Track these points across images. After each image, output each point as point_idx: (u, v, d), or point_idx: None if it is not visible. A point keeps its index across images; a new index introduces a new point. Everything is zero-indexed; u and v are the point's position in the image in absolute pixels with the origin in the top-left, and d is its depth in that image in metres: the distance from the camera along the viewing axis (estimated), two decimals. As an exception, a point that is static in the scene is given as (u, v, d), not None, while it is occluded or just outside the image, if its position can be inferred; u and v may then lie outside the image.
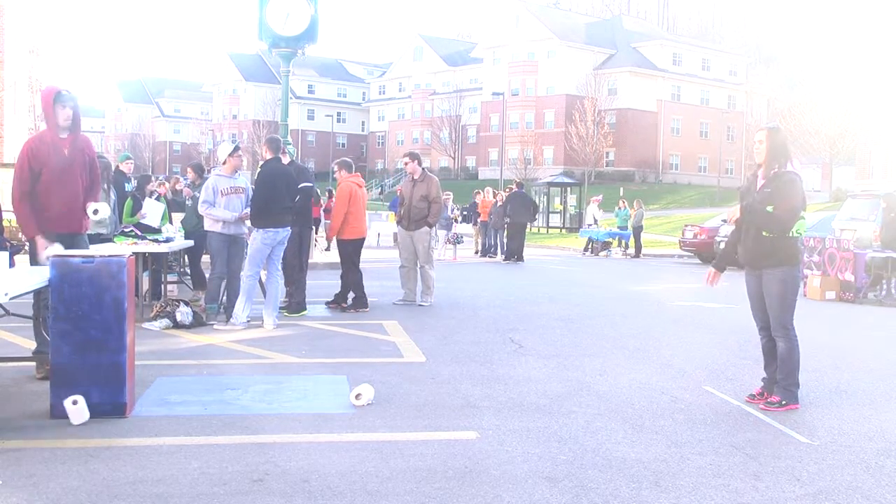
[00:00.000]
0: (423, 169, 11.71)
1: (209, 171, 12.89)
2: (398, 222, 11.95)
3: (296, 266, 10.31)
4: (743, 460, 4.80)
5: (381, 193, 75.06)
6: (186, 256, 12.13)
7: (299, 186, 9.97)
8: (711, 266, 6.51)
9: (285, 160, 10.27)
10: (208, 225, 9.49)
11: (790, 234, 6.00)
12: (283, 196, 9.38)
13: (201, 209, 9.45)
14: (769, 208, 5.95)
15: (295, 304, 10.26)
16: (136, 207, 10.92)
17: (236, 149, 9.68)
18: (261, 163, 9.76)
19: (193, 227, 11.44)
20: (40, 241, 6.30)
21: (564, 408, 5.91)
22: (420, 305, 11.48)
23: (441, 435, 5.17)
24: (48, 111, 6.36)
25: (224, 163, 9.54)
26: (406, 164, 11.75)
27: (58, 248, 5.98)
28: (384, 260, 19.45)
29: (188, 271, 12.47)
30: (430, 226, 11.63)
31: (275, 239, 9.28)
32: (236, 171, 9.66)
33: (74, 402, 5.11)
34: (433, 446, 4.90)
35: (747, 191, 6.28)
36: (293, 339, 8.59)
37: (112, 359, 5.26)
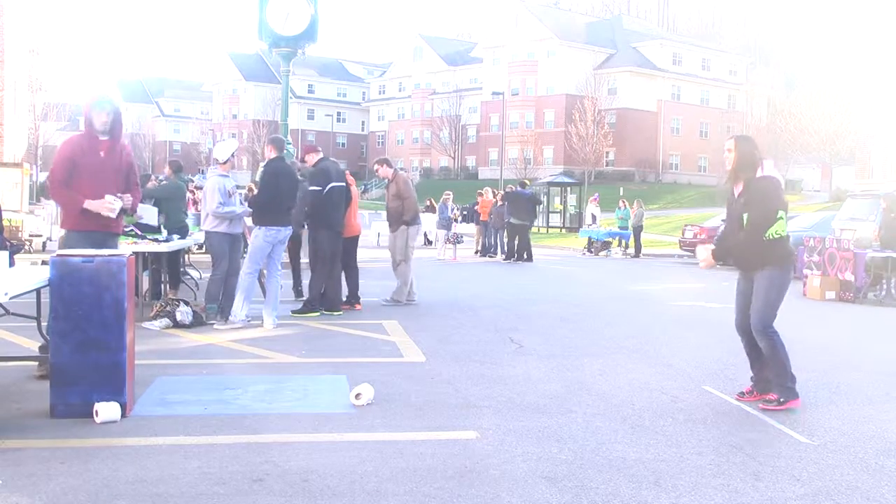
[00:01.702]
0: (393, 170, 11.78)
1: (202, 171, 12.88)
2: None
3: (315, 268, 10.35)
4: (743, 460, 4.80)
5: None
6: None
7: (334, 185, 10.21)
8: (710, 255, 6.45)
9: (316, 159, 10.40)
10: (210, 225, 9.41)
11: (769, 237, 6.00)
12: (286, 195, 9.41)
13: (217, 210, 9.24)
14: (744, 217, 6.02)
15: (307, 303, 10.28)
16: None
17: (235, 147, 9.72)
18: (262, 162, 9.79)
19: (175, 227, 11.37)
20: (94, 204, 6.48)
21: (564, 408, 5.92)
22: (406, 303, 11.46)
23: (441, 435, 5.17)
24: (86, 114, 6.57)
25: (225, 162, 9.52)
26: (377, 170, 11.86)
27: (112, 200, 6.43)
28: (385, 260, 19.43)
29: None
30: (407, 224, 11.60)
31: (276, 237, 9.29)
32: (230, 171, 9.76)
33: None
34: (433, 446, 4.90)
35: (727, 196, 6.41)
36: (293, 338, 8.59)
37: (112, 358, 5.26)
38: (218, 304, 9.58)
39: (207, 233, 9.54)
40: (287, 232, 9.45)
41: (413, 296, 11.71)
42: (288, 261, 12.11)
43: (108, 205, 6.49)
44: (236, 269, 9.58)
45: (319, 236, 10.39)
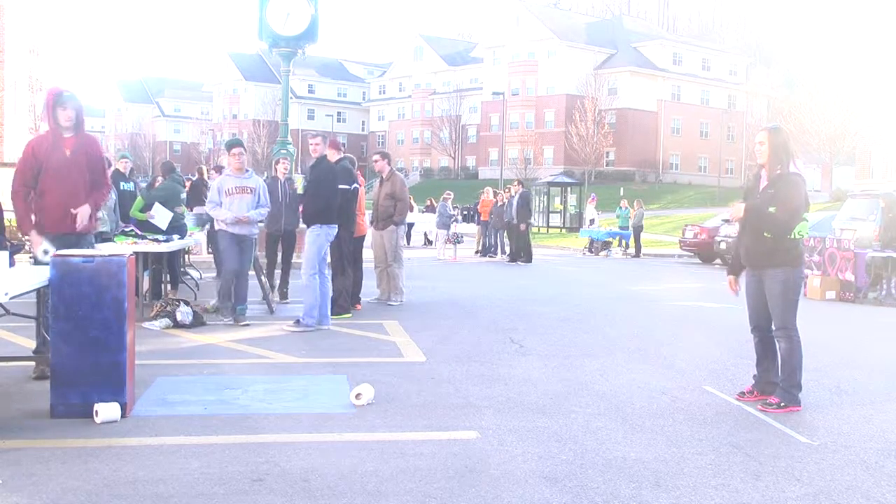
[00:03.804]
0: (391, 168, 11.76)
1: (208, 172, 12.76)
2: (371, 223, 11.96)
3: (338, 269, 10.32)
4: (743, 460, 4.80)
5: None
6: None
7: (352, 187, 10.18)
8: (728, 275, 6.47)
9: (337, 157, 10.29)
10: (217, 224, 9.56)
11: (791, 236, 5.98)
12: (337, 194, 9.44)
13: (207, 208, 9.55)
14: (771, 209, 5.94)
15: (337, 306, 10.22)
16: (148, 207, 10.80)
17: (228, 146, 9.46)
18: (314, 160, 9.53)
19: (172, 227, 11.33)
20: (34, 237, 6.41)
21: (564, 408, 5.91)
22: (389, 305, 11.42)
23: (441, 435, 5.17)
24: (49, 112, 6.42)
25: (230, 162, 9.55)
26: (376, 161, 11.76)
27: (47, 247, 6.21)
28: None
29: (186, 271, 12.48)
30: (396, 224, 11.61)
31: (330, 235, 9.26)
32: (244, 171, 9.44)
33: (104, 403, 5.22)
34: (433, 446, 4.90)
35: (750, 190, 6.27)
36: (293, 338, 8.59)
37: (112, 359, 5.26)
38: (229, 303, 9.40)
39: (217, 231, 9.65)
40: (335, 230, 9.38)
41: (398, 297, 11.64)
42: (280, 261, 12.04)
43: (42, 252, 6.31)
44: (243, 270, 9.39)
45: (341, 236, 10.35)
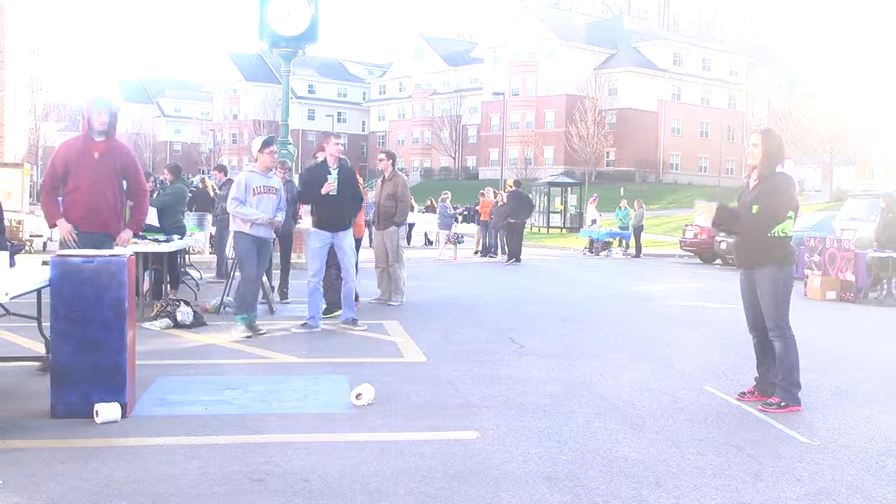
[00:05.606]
0: (394, 168, 11.68)
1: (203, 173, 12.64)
2: (372, 222, 11.92)
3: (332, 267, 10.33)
4: (743, 460, 4.80)
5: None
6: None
7: None
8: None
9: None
10: (236, 225, 8.82)
11: (773, 235, 6.01)
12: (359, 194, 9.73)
13: (230, 207, 8.74)
14: (754, 208, 6.01)
15: (329, 304, 10.15)
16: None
17: (265, 144, 8.81)
18: (315, 163, 9.43)
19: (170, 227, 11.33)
20: (62, 223, 6.74)
21: (564, 408, 5.91)
22: (389, 305, 11.41)
23: (441, 435, 5.17)
24: (85, 115, 6.71)
25: (255, 159, 8.88)
26: (381, 160, 11.68)
27: (69, 227, 6.68)
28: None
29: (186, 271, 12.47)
30: (397, 224, 11.61)
31: (326, 239, 9.26)
32: (269, 170, 8.88)
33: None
34: (433, 446, 4.90)
35: (744, 192, 6.36)
36: (293, 338, 8.59)
37: (112, 359, 5.26)
38: (250, 313, 8.76)
39: (234, 233, 9.02)
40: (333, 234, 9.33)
41: (398, 298, 11.63)
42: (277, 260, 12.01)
43: (71, 236, 6.71)
44: (261, 275, 9.02)
45: None
